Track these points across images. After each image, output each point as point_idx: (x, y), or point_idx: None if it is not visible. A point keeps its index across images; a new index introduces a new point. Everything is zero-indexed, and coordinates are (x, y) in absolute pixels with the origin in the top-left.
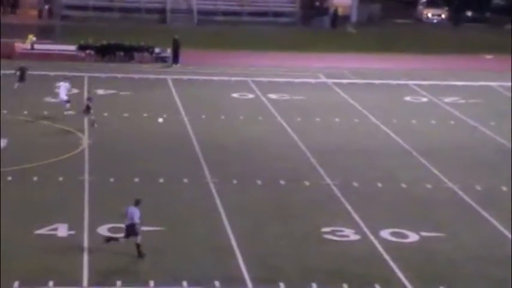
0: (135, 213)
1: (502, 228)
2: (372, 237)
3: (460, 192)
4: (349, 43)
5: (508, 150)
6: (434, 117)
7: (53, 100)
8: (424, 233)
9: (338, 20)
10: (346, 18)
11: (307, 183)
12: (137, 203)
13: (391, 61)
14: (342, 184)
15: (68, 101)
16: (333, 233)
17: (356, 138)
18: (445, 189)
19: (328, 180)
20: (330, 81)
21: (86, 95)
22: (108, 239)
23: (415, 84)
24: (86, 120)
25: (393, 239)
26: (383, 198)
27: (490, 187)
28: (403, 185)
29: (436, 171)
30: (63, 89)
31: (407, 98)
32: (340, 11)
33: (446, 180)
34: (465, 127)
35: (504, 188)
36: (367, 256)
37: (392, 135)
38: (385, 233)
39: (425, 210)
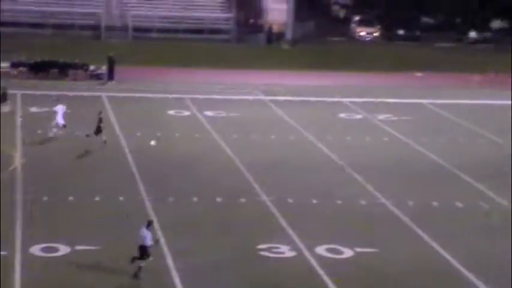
0: (145, 235)
1: (433, 244)
2: (307, 254)
3: (393, 208)
4: (284, 60)
5: (440, 166)
6: (368, 133)
7: None
8: (358, 249)
9: (273, 37)
10: (281, 35)
11: (243, 200)
12: (149, 224)
13: (326, 78)
14: (278, 201)
15: (64, 126)
16: (269, 249)
17: (291, 155)
18: (379, 205)
19: (264, 197)
20: (266, 98)
21: (98, 114)
22: (134, 259)
23: (350, 102)
24: (19, 138)
25: (328, 255)
26: (318, 215)
27: (422, 203)
28: (338, 201)
29: (370, 188)
30: (61, 112)
31: (342, 115)
32: (275, 28)
33: (380, 196)
34: (398, 143)
35: (435, 204)
36: (302, 272)
37: (327, 151)
38: (321, 249)
39: (360, 226)
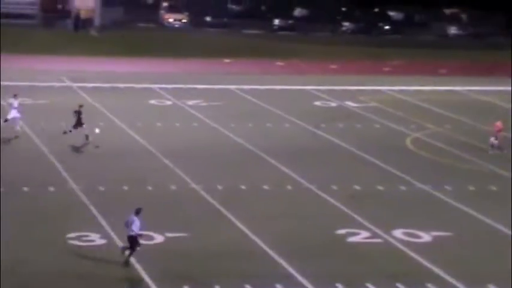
0: (133, 222)
1: (242, 226)
2: (118, 241)
3: (203, 192)
4: (93, 46)
5: (248, 150)
6: (178, 119)
7: None
8: (169, 234)
9: (81, 23)
10: (89, 21)
11: (52, 188)
12: (137, 212)
13: (136, 65)
14: (88, 188)
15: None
16: (78, 238)
17: (102, 142)
18: (189, 190)
19: (74, 185)
20: (74, 84)
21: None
22: (124, 249)
23: (160, 88)
24: None
25: (141, 241)
26: (129, 201)
27: (230, 186)
28: (149, 188)
29: (180, 173)
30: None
31: (152, 102)
32: (83, 14)
33: (190, 181)
34: (208, 129)
35: (243, 187)
36: (114, 259)
37: (138, 138)
38: None
39: (171, 212)
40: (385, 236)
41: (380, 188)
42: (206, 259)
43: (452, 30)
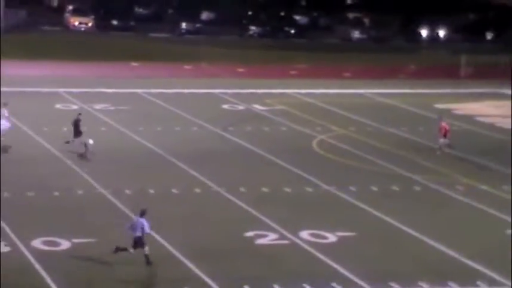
0: (142, 224)
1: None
2: (23, 248)
3: (111, 197)
4: None
5: (156, 154)
6: (86, 124)
7: None
8: (76, 240)
9: None
10: None
11: None
12: (143, 213)
13: (41, 68)
14: None
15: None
16: None
17: (6, 148)
18: (96, 194)
19: None
20: None
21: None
22: (117, 249)
23: (66, 92)
24: None
25: (45, 247)
26: (35, 207)
27: (139, 190)
28: (55, 193)
29: (87, 177)
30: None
31: (58, 106)
32: None
33: (97, 186)
34: (116, 133)
35: (152, 191)
36: (19, 267)
37: (44, 143)
38: (37, 243)
39: (78, 217)
40: (292, 238)
41: (287, 189)
42: (114, 265)
43: (356, 34)
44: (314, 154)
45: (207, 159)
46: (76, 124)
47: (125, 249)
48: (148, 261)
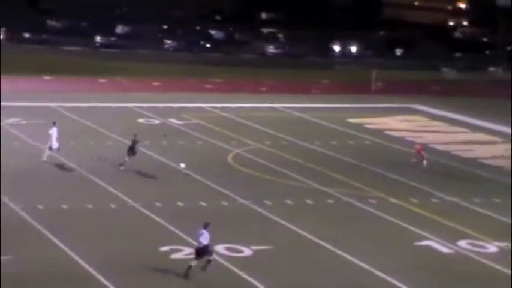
0: (205, 235)
1: (65, 248)
2: None
3: (23, 213)
4: None
5: (70, 169)
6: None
7: None
8: None
9: None
10: None
11: None
12: (206, 225)
13: None
14: None
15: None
16: None
17: None
18: (8, 210)
19: None
20: None
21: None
22: (186, 275)
23: None
24: None
25: None
26: None
27: (52, 206)
28: None
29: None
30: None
31: None
32: None
33: (8, 202)
34: (29, 148)
35: (65, 207)
36: None
37: None
38: None
39: None
40: None
41: (203, 203)
42: (28, 283)
43: (270, 49)
44: (229, 168)
45: (121, 173)
46: (133, 144)
47: (190, 267)
48: (206, 266)
